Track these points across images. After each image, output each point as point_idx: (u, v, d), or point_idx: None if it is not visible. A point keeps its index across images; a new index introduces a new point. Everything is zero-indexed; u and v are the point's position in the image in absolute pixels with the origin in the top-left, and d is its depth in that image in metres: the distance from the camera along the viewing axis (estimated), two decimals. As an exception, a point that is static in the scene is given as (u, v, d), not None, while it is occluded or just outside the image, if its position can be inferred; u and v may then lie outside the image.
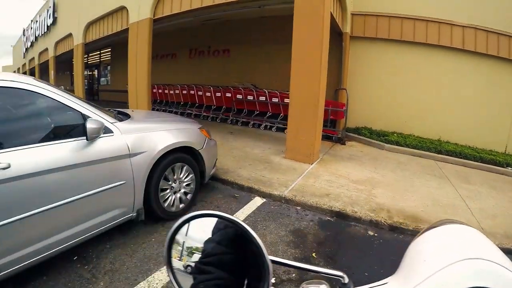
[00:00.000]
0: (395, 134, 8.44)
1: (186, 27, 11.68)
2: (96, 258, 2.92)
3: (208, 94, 10.43)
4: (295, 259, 2.76)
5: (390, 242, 3.31)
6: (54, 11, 15.63)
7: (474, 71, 8.47)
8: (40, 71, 21.23)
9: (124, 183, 2.87)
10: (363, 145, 7.76)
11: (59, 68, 18.36)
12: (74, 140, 2.60)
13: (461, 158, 7.23)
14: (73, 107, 2.68)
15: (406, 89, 8.94)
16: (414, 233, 3.44)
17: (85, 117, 2.68)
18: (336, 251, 3.00)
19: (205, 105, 10.74)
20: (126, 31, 9.33)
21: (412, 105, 8.90)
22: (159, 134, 3.27)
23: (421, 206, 4.12)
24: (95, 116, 2.78)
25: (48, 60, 17.59)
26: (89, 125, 2.56)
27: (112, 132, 2.86)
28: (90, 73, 21.96)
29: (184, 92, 11.31)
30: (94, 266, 2.80)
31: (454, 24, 8.39)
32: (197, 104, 11.05)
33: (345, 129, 7.73)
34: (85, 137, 2.61)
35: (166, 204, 3.37)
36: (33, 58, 22.56)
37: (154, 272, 2.68)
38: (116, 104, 8.57)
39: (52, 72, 16.83)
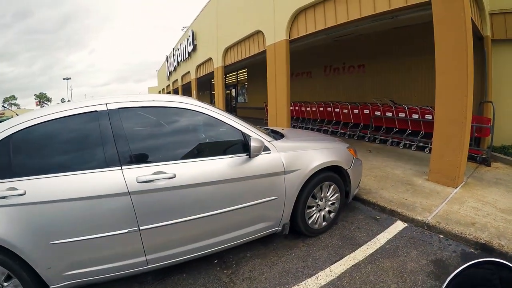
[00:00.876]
0: (548, 152, 7.19)
1: (318, 45, 12.05)
2: (236, 264, 3.15)
3: (345, 111, 10.56)
4: None
5: None
6: (193, 39, 18.11)
7: None
8: (183, 91, 24.49)
9: (276, 198, 3.12)
10: (510, 167, 6.82)
11: (199, 88, 20.94)
12: (236, 156, 2.89)
13: None
14: (235, 126, 3.00)
15: None
16: None
17: (245, 136, 2.98)
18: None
19: (342, 122, 10.90)
20: (262, 52, 10.18)
21: None
22: (311, 153, 3.46)
23: None
24: (255, 135, 3.03)
25: (190, 82, 20.32)
26: (253, 143, 2.81)
27: (269, 150, 3.11)
28: (228, 92, 24.20)
29: (321, 109, 11.66)
30: (233, 271, 3.02)
31: None
32: (333, 121, 11.29)
33: (491, 148, 6.98)
34: (246, 154, 2.90)
35: (310, 221, 3.58)
36: (176, 80, 26.27)
37: (292, 287, 2.80)
38: (253, 120, 9.04)
39: (194, 92, 19.43)
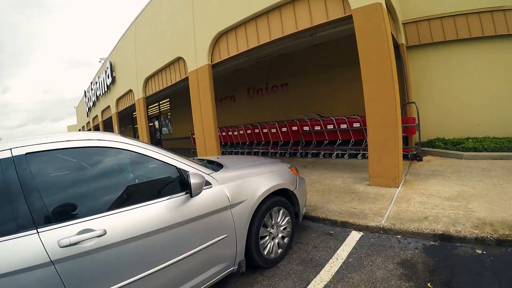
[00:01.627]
0: (470, 140, 8.06)
1: (240, 68, 12.19)
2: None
3: (273, 130, 10.65)
4: None
5: (501, 258, 3.16)
6: (112, 71, 17.10)
7: None
8: (104, 127, 22.99)
9: (226, 236, 2.78)
10: (440, 158, 7.51)
11: (121, 123, 19.82)
12: (174, 197, 2.49)
13: None
14: (168, 162, 2.60)
15: (473, 90, 8.63)
16: None
17: (181, 171, 2.59)
18: (450, 277, 2.89)
19: (272, 142, 10.95)
20: (184, 80, 9.93)
21: (482, 105, 8.52)
22: (255, 180, 3.20)
23: None
24: (193, 170, 2.67)
25: (111, 117, 19.08)
26: (193, 180, 2.44)
27: (211, 184, 2.77)
28: (151, 124, 23.40)
29: (249, 131, 11.65)
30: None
31: (507, 9, 8.16)
32: (263, 142, 11.31)
33: (420, 144, 7.53)
34: (185, 192, 2.53)
35: (265, 252, 3.26)
36: (96, 116, 24.50)
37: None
38: (180, 151, 8.77)
39: (116, 127, 18.20)
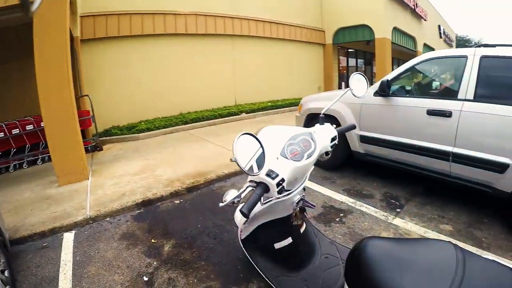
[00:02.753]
0: (142, 123, 9.19)
1: None
2: None
3: None
4: (142, 253, 3.02)
5: (194, 199, 4.19)
6: None
7: (200, 50, 11.18)
8: None
9: None
10: (119, 143, 8.02)
11: None
12: None
13: (204, 120, 9.15)
14: None
15: (143, 79, 9.94)
16: (206, 185, 4.46)
17: None
18: (165, 227, 3.46)
19: None
20: None
21: (151, 92, 10.02)
22: None
23: (198, 165, 5.23)
24: None
25: None
26: None
27: None
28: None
29: None
30: None
31: (177, 14, 10.23)
32: None
33: (98, 135, 7.62)
34: None
35: None
36: None
37: None
38: None
39: None
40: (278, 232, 2.01)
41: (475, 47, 3.59)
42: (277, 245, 2.01)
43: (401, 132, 3.97)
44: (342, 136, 4.55)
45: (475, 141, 3.29)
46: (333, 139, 2.04)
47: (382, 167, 4.41)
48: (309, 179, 4.33)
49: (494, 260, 1.07)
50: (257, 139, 1.49)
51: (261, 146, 1.48)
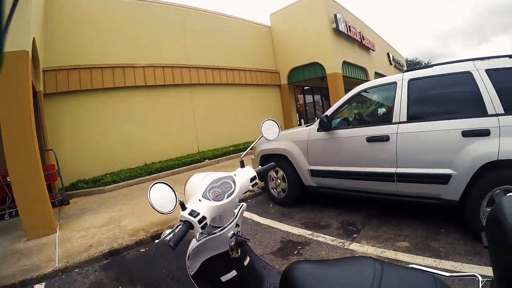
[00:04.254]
0: (107, 176, 9.40)
1: None
2: None
3: None
4: None
5: (159, 246, 4.46)
6: None
7: (160, 100, 11.87)
8: None
9: None
10: (85, 197, 8.14)
11: None
12: None
13: (169, 169, 9.63)
14: None
15: (106, 131, 10.26)
16: None
17: None
18: (131, 275, 3.74)
19: None
20: None
21: (115, 144, 10.34)
22: None
23: (162, 216, 5.44)
24: None
25: None
26: None
27: None
28: None
29: None
30: None
31: (136, 66, 10.99)
32: None
33: (64, 189, 7.78)
34: None
35: None
36: None
37: None
38: None
39: None
40: (221, 266, 2.24)
41: (403, 72, 4.01)
42: (223, 278, 2.24)
43: (346, 161, 4.29)
44: (294, 173, 5.00)
45: (414, 158, 3.57)
46: (252, 179, 2.30)
47: (337, 197, 4.71)
48: (269, 218, 4.94)
49: (412, 267, 1.19)
50: (169, 186, 1.86)
51: (173, 191, 1.85)
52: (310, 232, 4.21)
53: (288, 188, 5.26)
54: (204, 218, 1.81)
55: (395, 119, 3.82)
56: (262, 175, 2.55)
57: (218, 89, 14.20)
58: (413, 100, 3.75)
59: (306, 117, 19.38)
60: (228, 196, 2.03)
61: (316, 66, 16.07)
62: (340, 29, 15.51)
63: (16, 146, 5.16)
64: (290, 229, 4.41)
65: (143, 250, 4.45)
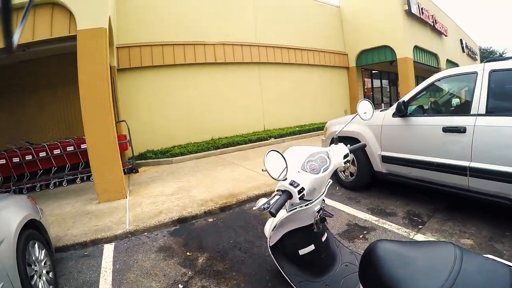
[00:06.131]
0: (175, 148, 9.65)
1: None
2: None
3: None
4: (177, 264, 3.20)
5: (227, 218, 4.40)
6: None
7: (229, 77, 11.80)
8: None
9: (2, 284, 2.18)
10: (154, 166, 8.43)
11: None
12: None
13: (235, 145, 9.59)
14: None
15: (176, 106, 10.49)
16: (238, 205, 4.70)
17: None
18: (200, 242, 3.67)
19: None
20: None
21: (184, 118, 10.58)
22: (2, 214, 2.63)
23: (230, 187, 5.44)
24: None
25: None
26: None
27: None
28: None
29: None
30: None
31: (206, 44, 11.04)
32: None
33: (134, 158, 8.08)
34: None
35: None
36: None
37: None
38: None
39: None
40: (302, 239, 2.24)
41: (484, 62, 3.73)
42: (301, 251, 2.23)
43: (419, 150, 4.08)
44: (365, 158, 4.78)
45: (490, 154, 3.34)
46: (345, 156, 2.27)
47: (405, 186, 4.47)
48: (335, 200, 4.63)
49: (490, 258, 1.18)
50: (281, 155, 1.78)
51: (285, 161, 1.77)
52: (376, 218, 4.03)
53: (357, 172, 5.03)
54: (303, 189, 1.81)
55: (473, 110, 3.56)
56: None
57: (286, 69, 13.79)
58: (493, 92, 3.46)
59: (373, 102, 18.20)
60: (324, 171, 2.06)
61: (386, 49, 15.07)
62: (412, 11, 14.24)
63: (95, 116, 5.37)
64: (356, 213, 4.25)
65: (211, 220, 4.35)
